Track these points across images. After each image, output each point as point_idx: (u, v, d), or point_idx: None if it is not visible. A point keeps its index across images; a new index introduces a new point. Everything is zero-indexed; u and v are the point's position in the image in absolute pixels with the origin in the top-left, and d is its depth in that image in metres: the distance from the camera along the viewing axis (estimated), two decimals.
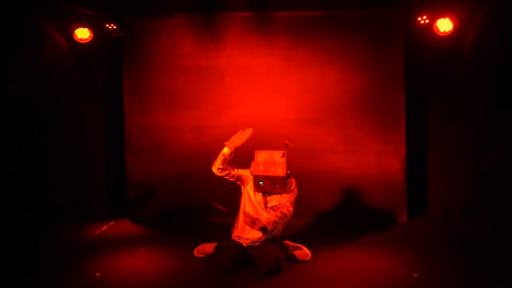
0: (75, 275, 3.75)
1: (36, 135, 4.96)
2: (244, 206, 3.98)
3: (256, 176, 3.91)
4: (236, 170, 4.00)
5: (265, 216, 3.86)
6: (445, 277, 3.63)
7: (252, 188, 4.00)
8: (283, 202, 3.94)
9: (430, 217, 5.38)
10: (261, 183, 3.89)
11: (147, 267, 3.96)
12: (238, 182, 4.05)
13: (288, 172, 3.89)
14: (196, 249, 4.17)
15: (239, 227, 4.00)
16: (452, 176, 5.26)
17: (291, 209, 3.91)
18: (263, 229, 3.76)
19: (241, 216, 3.95)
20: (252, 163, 3.93)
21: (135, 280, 3.67)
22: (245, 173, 4.02)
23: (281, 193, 3.96)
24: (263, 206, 3.96)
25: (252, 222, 3.76)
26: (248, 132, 3.94)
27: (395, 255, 4.13)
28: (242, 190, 4.06)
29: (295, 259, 3.99)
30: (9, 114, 4.57)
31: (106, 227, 5.22)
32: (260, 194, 3.99)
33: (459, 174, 5.14)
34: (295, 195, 3.98)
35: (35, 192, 4.89)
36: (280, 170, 3.84)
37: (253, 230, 3.84)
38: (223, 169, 3.93)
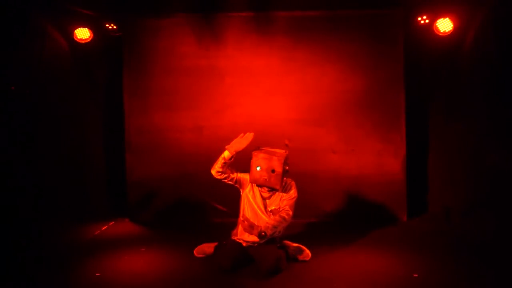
0: (75, 275, 3.75)
1: (36, 135, 4.96)
2: (244, 210, 3.97)
3: (255, 156, 3.88)
4: (235, 173, 3.99)
5: (265, 220, 3.85)
6: (445, 277, 3.62)
7: (251, 192, 3.98)
8: (283, 205, 3.92)
9: (430, 217, 5.38)
10: (258, 168, 3.84)
11: (147, 267, 3.96)
12: (237, 185, 4.04)
13: (287, 168, 3.89)
14: (196, 249, 4.17)
15: (239, 231, 3.99)
16: (452, 176, 5.26)
17: (291, 212, 3.89)
18: (261, 236, 3.73)
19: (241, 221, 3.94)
20: (253, 152, 3.92)
21: (135, 280, 3.67)
22: (244, 176, 4.00)
23: (276, 189, 3.89)
24: (263, 209, 3.95)
25: (251, 227, 3.76)
26: (250, 136, 3.91)
27: (395, 255, 4.13)
28: (241, 193, 4.05)
29: (295, 259, 3.99)
30: (9, 114, 4.57)
31: (106, 227, 5.22)
32: (259, 197, 3.96)
33: (459, 174, 5.14)
34: (294, 199, 3.95)
35: (35, 192, 4.89)
36: (278, 152, 3.88)
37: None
38: (223, 172, 3.91)
